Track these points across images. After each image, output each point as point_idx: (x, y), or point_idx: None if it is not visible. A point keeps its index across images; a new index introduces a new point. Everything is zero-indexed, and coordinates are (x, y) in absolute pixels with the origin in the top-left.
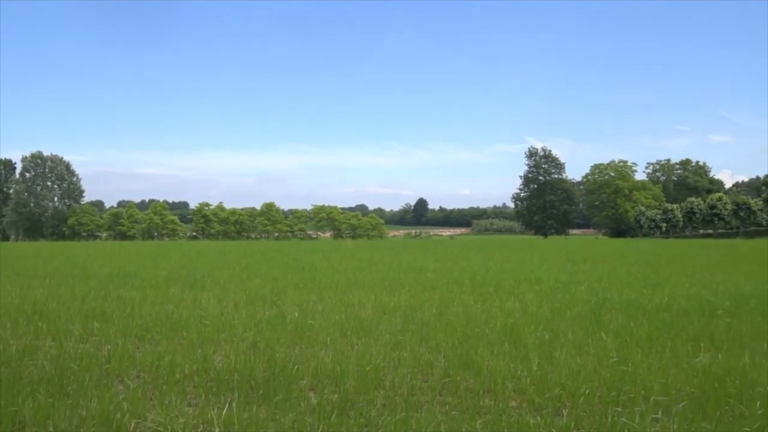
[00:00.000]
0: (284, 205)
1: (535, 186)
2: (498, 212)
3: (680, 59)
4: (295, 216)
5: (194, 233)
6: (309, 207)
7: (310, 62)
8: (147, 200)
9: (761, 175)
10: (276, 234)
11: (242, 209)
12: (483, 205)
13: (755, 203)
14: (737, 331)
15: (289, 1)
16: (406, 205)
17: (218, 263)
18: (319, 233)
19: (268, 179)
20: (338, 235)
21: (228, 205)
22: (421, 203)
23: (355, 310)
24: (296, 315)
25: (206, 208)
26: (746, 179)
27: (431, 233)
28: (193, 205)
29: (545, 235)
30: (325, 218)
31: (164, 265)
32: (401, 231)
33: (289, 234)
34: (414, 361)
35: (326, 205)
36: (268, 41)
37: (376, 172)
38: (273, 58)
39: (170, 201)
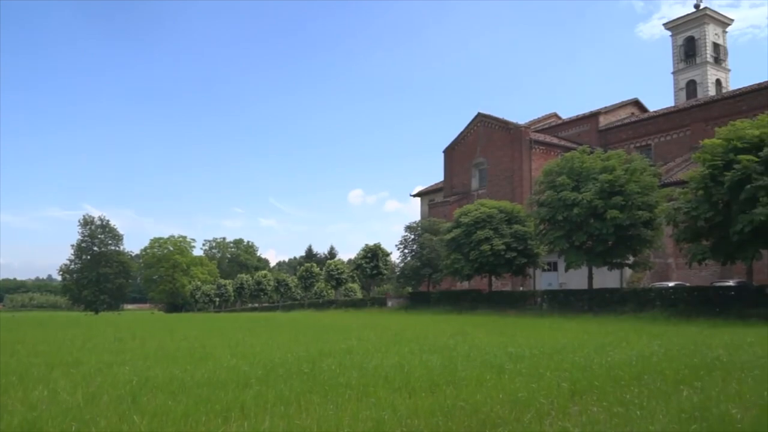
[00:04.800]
0: None
1: (89, 257)
2: (41, 285)
3: (240, 148)
4: None
5: None
6: None
7: None
8: None
9: (298, 255)
10: None
11: None
12: (22, 277)
13: (292, 280)
14: (264, 397)
15: None
16: None
17: None
18: None
19: None
20: None
21: None
22: None
23: None
24: None
25: None
26: (287, 259)
27: None
28: None
29: (97, 311)
30: None
31: None
32: None
33: None
34: None
35: None
36: None
37: None
38: None
39: None
